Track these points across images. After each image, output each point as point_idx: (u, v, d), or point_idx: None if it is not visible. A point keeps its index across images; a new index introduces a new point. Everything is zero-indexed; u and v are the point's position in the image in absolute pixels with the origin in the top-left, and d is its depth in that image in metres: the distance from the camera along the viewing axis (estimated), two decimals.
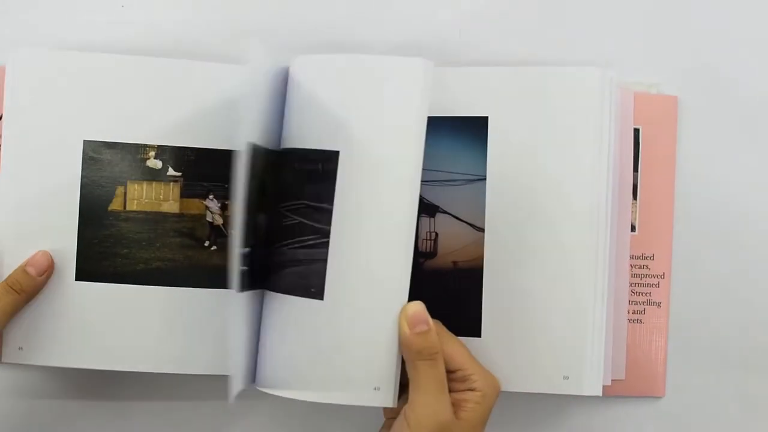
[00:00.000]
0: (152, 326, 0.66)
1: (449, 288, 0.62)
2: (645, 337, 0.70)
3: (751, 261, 0.71)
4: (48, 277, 0.65)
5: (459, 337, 0.62)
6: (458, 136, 0.61)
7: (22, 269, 0.64)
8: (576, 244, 0.64)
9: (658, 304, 0.70)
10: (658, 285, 0.70)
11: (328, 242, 0.60)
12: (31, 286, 0.64)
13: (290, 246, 0.62)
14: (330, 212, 0.61)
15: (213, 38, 0.70)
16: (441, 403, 0.58)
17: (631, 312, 0.70)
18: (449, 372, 0.60)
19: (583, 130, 0.64)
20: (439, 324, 0.61)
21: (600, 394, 0.64)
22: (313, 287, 0.61)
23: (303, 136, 0.63)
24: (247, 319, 0.63)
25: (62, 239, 0.65)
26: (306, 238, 0.61)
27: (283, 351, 0.62)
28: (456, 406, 0.59)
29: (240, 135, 0.59)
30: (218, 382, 0.65)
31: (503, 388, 0.63)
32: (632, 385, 0.69)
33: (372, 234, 0.60)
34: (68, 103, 0.66)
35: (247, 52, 0.59)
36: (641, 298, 0.70)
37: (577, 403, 0.70)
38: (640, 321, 0.70)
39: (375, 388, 0.60)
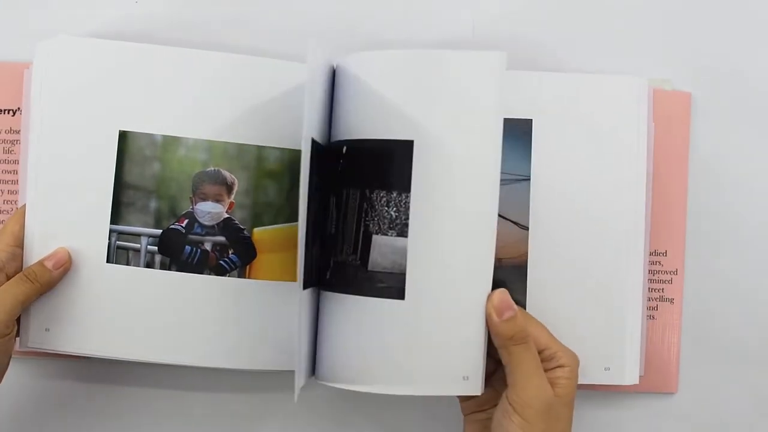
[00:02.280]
0: (186, 316, 0.65)
1: (495, 284, 0.62)
2: (658, 333, 0.70)
3: (764, 257, 0.71)
4: (64, 271, 0.65)
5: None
6: (505, 137, 0.61)
7: (39, 262, 0.64)
8: (616, 243, 0.66)
9: (671, 301, 0.70)
10: (671, 281, 0.70)
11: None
12: (45, 278, 0.64)
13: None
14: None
15: (237, 31, 0.71)
16: (543, 382, 0.60)
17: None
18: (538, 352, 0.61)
19: (621, 136, 0.67)
20: (521, 308, 0.62)
21: (637, 382, 0.67)
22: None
23: (365, 128, 0.63)
24: (309, 316, 0.63)
25: (95, 227, 0.65)
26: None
27: (356, 346, 0.62)
28: (551, 384, 0.60)
29: (302, 131, 0.59)
30: (248, 375, 0.66)
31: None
32: (645, 381, 0.69)
33: (455, 227, 0.61)
34: (104, 92, 0.65)
35: (306, 51, 0.59)
36: (654, 295, 0.70)
37: (590, 399, 0.70)
38: (653, 317, 0.70)
39: (464, 378, 0.61)
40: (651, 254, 0.70)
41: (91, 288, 0.65)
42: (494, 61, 0.61)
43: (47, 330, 0.65)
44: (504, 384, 0.61)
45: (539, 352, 0.61)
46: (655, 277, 0.70)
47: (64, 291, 0.65)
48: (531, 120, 0.67)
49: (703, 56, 0.71)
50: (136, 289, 0.65)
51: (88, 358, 0.68)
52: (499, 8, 0.71)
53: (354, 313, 0.62)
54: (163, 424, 0.71)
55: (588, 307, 0.66)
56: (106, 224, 0.65)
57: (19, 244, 0.65)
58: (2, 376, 0.63)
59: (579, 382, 0.62)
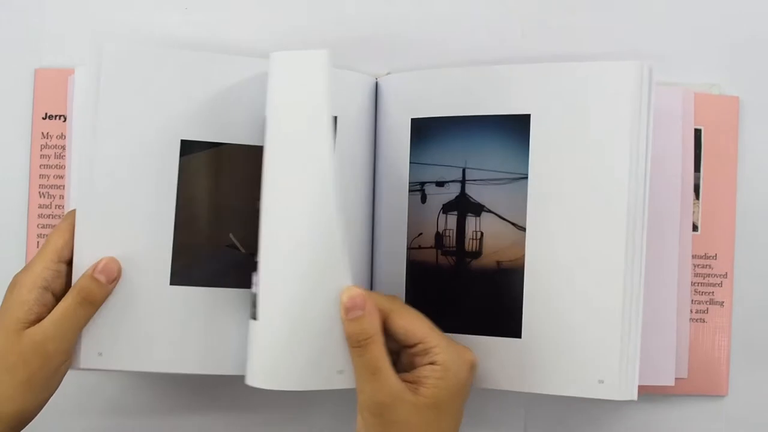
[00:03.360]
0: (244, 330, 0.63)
1: (493, 288, 0.61)
2: (708, 336, 0.70)
3: None
4: (116, 284, 0.61)
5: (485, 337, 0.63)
6: (501, 134, 0.61)
7: (91, 277, 0.60)
8: (611, 245, 0.61)
9: (721, 304, 0.70)
10: (720, 284, 0.70)
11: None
12: (103, 295, 0.61)
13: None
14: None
15: (279, 40, 0.71)
16: (372, 385, 0.57)
17: (693, 311, 0.70)
18: (409, 347, 0.59)
19: (619, 125, 0.62)
20: (395, 299, 0.60)
21: (635, 398, 0.61)
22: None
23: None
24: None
25: (156, 242, 0.63)
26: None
27: None
28: (416, 382, 0.57)
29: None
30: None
31: (543, 390, 0.62)
32: (696, 383, 0.69)
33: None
34: (165, 100, 0.63)
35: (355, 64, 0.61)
36: (704, 298, 0.70)
37: (639, 401, 0.70)
38: (703, 320, 0.70)
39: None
40: (701, 257, 0.70)
41: (152, 310, 0.63)
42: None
43: (100, 354, 0.62)
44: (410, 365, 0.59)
45: (413, 346, 0.58)
46: (705, 280, 0.70)
47: (118, 312, 0.62)
48: (529, 115, 0.63)
49: (751, 60, 0.72)
50: (199, 307, 0.63)
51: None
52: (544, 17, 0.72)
53: None
54: None
55: (582, 314, 0.62)
56: (169, 241, 0.63)
57: (64, 259, 0.61)
58: (52, 395, 0.61)
59: (570, 394, 0.60)
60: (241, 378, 0.62)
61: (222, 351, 0.64)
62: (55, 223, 0.69)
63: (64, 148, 0.70)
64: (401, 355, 0.60)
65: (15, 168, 0.70)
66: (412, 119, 0.66)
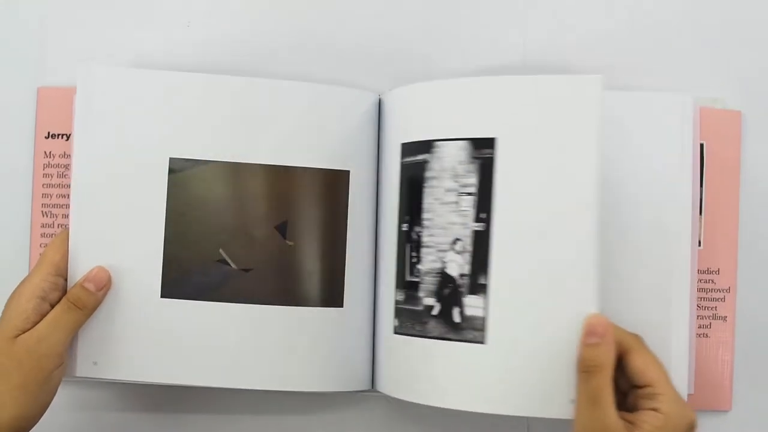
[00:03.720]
0: (235, 343, 0.65)
1: None
2: (711, 351, 0.70)
3: None
4: (106, 292, 0.64)
5: None
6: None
7: (81, 286, 0.63)
8: (659, 266, 0.65)
9: (724, 319, 0.70)
10: (723, 299, 0.70)
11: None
12: (91, 302, 0.63)
13: None
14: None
15: (281, 56, 0.72)
16: (590, 414, 0.57)
17: (697, 326, 0.70)
18: (639, 387, 0.59)
19: (665, 155, 0.66)
20: (639, 338, 0.61)
21: None
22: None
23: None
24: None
25: (147, 256, 0.65)
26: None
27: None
28: (634, 423, 0.57)
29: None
30: (302, 398, 0.67)
31: (507, 412, 0.61)
32: (699, 399, 0.69)
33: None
34: (153, 121, 0.65)
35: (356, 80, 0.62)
36: (707, 313, 0.70)
37: None
38: (706, 335, 0.70)
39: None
40: (704, 272, 0.70)
41: (144, 321, 0.65)
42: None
43: (95, 363, 0.65)
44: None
45: (640, 388, 0.59)
46: (708, 295, 0.70)
47: (113, 323, 0.65)
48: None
49: (753, 74, 0.71)
50: (192, 320, 0.65)
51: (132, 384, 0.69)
52: (547, 30, 0.72)
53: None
54: None
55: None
56: (159, 255, 0.65)
57: (60, 273, 0.64)
58: (48, 405, 0.63)
59: (544, 416, 0.60)
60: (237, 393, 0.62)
61: (213, 363, 0.65)
62: None
63: (66, 167, 0.70)
64: (628, 395, 0.60)
65: (18, 187, 0.71)
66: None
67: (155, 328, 0.65)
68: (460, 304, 0.62)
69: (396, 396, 0.65)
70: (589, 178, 0.60)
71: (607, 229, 0.63)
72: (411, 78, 0.69)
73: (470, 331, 0.62)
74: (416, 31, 0.72)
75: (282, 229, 0.66)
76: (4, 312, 0.63)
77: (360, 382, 0.67)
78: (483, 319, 0.61)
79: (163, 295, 0.65)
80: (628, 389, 0.60)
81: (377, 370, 0.67)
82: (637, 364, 0.59)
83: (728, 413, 0.71)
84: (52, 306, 0.63)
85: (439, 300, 0.63)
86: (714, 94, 0.71)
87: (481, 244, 0.62)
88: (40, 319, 0.62)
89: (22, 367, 0.61)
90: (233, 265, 0.66)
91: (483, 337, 0.61)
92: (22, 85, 0.71)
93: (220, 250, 0.66)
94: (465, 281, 0.62)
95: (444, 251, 0.63)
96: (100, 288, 0.64)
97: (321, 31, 0.72)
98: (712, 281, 0.70)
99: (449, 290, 0.63)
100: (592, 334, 0.58)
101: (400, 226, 0.65)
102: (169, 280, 0.65)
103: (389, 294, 0.65)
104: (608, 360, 0.58)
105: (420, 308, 0.63)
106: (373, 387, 0.68)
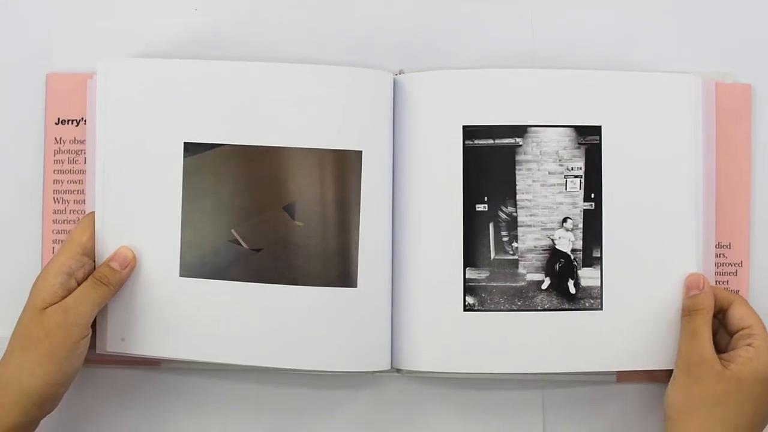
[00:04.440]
0: (248, 321, 0.67)
1: None
2: None
3: None
4: (131, 270, 0.67)
5: None
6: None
7: (107, 264, 0.66)
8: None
9: (736, 292, 0.70)
10: (735, 273, 0.70)
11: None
12: (116, 279, 0.66)
13: None
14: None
15: (288, 40, 0.72)
16: (689, 346, 0.65)
17: None
18: (737, 330, 0.66)
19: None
20: (739, 295, 0.69)
21: None
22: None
23: None
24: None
25: (166, 237, 0.67)
26: None
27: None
28: (729, 360, 0.64)
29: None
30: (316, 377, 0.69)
31: (624, 367, 0.69)
32: None
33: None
34: (168, 107, 0.67)
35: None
36: (720, 286, 0.70)
37: (658, 385, 0.70)
38: None
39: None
40: (716, 246, 0.70)
41: (165, 300, 0.67)
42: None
43: (123, 339, 0.68)
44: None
45: (739, 330, 0.66)
46: (720, 269, 0.70)
47: (137, 301, 0.67)
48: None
49: (763, 48, 0.71)
50: (208, 298, 0.67)
51: (158, 364, 0.71)
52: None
53: None
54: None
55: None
56: (177, 236, 0.67)
57: (87, 252, 0.67)
58: (75, 376, 0.65)
59: (651, 368, 0.67)
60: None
61: (230, 341, 0.67)
62: (70, 227, 0.70)
63: (77, 153, 0.71)
64: (728, 346, 0.67)
65: (29, 173, 0.71)
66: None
67: (175, 306, 0.68)
68: (575, 276, 0.68)
69: (480, 371, 0.68)
70: (685, 162, 0.67)
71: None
72: (420, 64, 0.70)
73: (587, 299, 0.68)
74: (426, 17, 0.72)
75: (290, 209, 0.67)
76: (33, 287, 0.66)
77: (377, 363, 0.68)
78: (599, 288, 0.68)
79: (182, 275, 0.68)
80: (727, 343, 0.67)
81: (430, 349, 0.68)
82: (740, 311, 0.66)
83: None
84: (78, 282, 0.66)
85: (548, 275, 0.68)
86: (724, 68, 0.71)
87: (592, 222, 0.68)
88: (67, 294, 0.65)
89: (50, 336, 0.63)
90: (245, 245, 0.67)
91: (600, 304, 0.68)
92: (31, 72, 0.71)
93: (233, 231, 0.67)
94: (578, 255, 0.68)
95: (552, 229, 0.68)
96: (125, 266, 0.67)
97: (333, 16, 0.72)
98: (724, 255, 0.70)
99: (561, 264, 0.68)
100: (693, 287, 0.67)
101: (471, 207, 0.67)
102: (187, 259, 0.67)
103: (451, 274, 0.67)
104: (707, 304, 0.66)
105: (521, 284, 0.68)
106: (422, 367, 0.69)
